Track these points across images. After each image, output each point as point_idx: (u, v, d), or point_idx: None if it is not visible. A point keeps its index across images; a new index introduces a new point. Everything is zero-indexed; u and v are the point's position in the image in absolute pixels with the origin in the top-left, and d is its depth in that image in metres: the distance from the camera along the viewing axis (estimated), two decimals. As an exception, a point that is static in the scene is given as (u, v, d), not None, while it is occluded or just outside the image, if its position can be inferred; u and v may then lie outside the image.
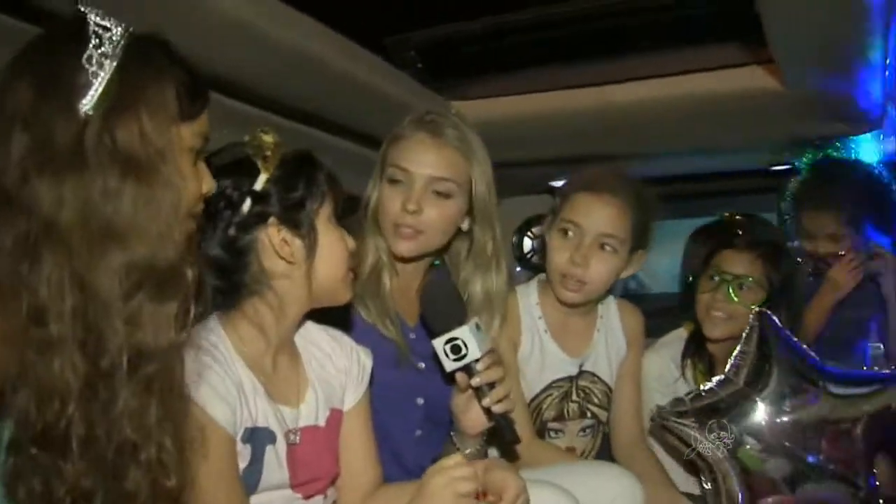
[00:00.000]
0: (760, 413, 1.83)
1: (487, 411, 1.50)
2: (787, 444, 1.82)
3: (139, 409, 1.00)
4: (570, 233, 1.86)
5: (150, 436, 1.01)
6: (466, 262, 1.78)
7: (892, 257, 2.43)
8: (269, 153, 1.30)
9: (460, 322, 1.48)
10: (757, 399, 1.83)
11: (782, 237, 2.34)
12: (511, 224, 3.52)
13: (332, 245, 1.36)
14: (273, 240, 1.31)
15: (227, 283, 1.32)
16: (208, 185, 1.14)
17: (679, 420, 1.85)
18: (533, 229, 3.57)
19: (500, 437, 1.58)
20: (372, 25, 1.92)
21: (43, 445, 0.95)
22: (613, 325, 2.03)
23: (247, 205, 1.30)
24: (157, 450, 1.02)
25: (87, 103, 0.97)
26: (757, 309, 1.91)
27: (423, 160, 1.66)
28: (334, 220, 1.39)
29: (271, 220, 1.31)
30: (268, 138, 1.31)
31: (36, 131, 0.96)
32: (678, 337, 2.18)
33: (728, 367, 1.87)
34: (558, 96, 2.24)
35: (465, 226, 1.75)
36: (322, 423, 1.41)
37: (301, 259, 1.33)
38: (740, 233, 2.14)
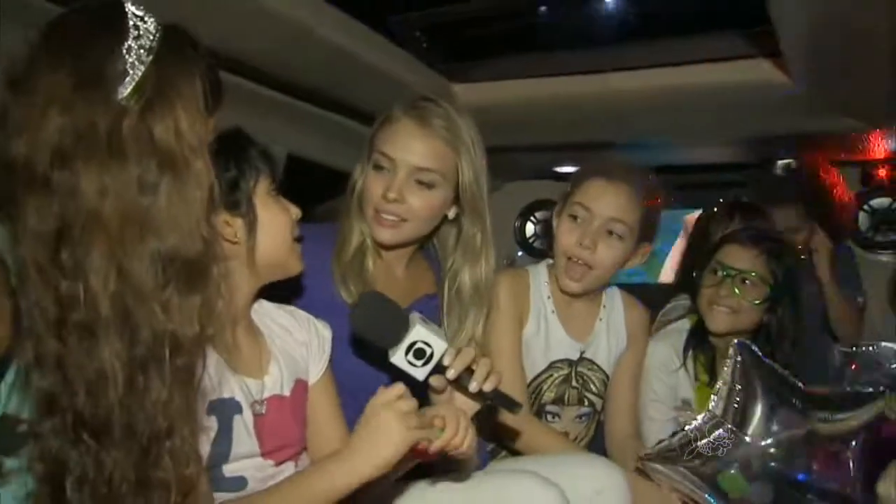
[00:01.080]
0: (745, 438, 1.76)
1: (477, 395, 1.41)
2: (773, 464, 1.75)
3: (168, 398, 1.01)
4: (580, 217, 1.87)
5: (176, 426, 1.03)
6: (455, 250, 1.75)
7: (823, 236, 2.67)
8: None
9: (405, 326, 1.36)
10: (748, 434, 1.75)
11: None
12: (514, 208, 3.51)
13: (273, 218, 1.39)
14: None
15: None
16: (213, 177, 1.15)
17: (664, 465, 1.78)
18: (536, 214, 3.57)
19: (499, 411, 1.51)
20: (377, 4, 1.91)
21: (92, 433, 0.96)
22: (617, 317, 2.03)
23: None
24: (181, 440, 1.03)
25: (123, 92, 0.97)
26: (735, 341, 1.85)
27: (407, 148, 1.63)
28: (274, 192, 1.41)
29: None
30: None
31: (76, 118, 0.96)
32: (682, 327, 2.17)
33: (712, 404, 1.78)
34: (562, 82, 2.23)
35: (451, 214, 1.72)
36: (287, 392, 1.43)
37: (244, 238, 1.36)
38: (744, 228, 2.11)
